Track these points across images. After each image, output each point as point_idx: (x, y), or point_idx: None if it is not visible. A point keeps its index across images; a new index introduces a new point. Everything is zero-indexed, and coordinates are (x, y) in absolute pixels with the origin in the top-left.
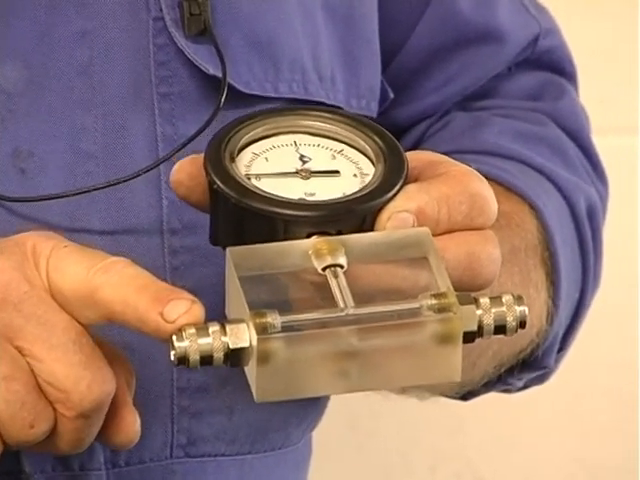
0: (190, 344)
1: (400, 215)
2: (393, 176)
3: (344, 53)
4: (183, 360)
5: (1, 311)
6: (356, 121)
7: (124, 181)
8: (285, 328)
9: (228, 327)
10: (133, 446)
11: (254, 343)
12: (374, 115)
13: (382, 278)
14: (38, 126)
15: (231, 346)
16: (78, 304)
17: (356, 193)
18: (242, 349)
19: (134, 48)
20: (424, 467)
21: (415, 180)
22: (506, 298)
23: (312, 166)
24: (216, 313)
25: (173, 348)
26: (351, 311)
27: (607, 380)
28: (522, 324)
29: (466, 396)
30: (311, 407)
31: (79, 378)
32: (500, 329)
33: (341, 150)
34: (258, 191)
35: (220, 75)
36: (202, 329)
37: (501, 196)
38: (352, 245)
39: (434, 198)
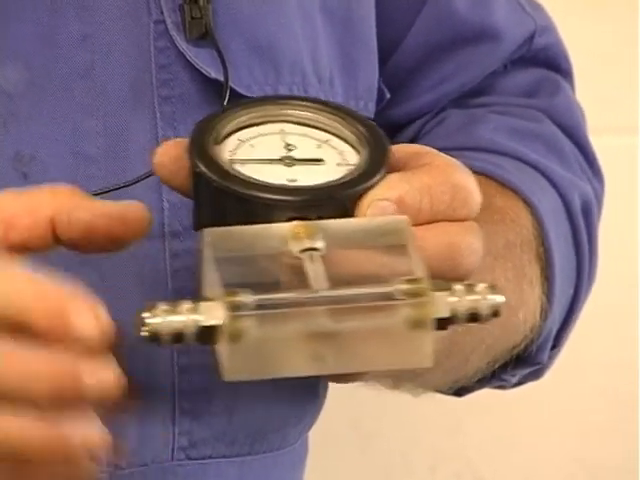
0: (161, 321)
1: (380, 203)
2: (375, 165)
3: (342, 55)
4: (154, 337)
5: None
6: (342, 111)
7: (124, 186)
8: (257, 307)
9: (200, 305)
10: (135, 448)
11: (225, 321)
12: (371, 116)
13: (359, 264)
14: (40, 130)
15: (202, 323)
16: None
17: (338, 180)
18: (214, 327)
19: (135, 51)
20: (424, 467)
21: (399, 171)
22: (480, 286)
23: (296, 154)
24: None
25: (144, 325)
26: (324, 293)
27: (607, 380)
28: (496, 313)
29: (460, 392)
30: (309, 406)
31: None
32: (474, 317)
33: (327, 140)
34: (240, 175)
35: (221, 79)
36: (174, 306)
37: (495, 191)
38: (331, 230)
39: (416, 188)
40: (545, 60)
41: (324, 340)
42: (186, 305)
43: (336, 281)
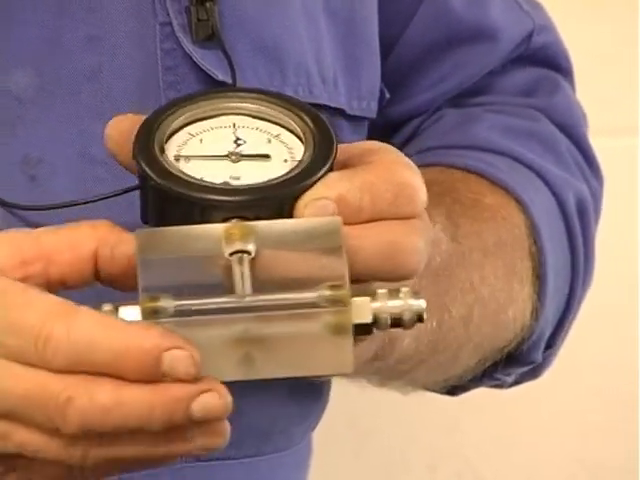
0: None
1: (318, 202)
2: (317, 164)
3: (345, 56)
4: None
5: None
6: (294, 105)
7: (132, 189)
8: (177, 313)
9: (120, 309)
10: None
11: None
12: (374, 116)
13: (288, 267)
14: (47, 132)
15: None
16: None
17: (277, 179)
18: None
19: (142, 53)
20: (423, 466)
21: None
22: (404, 291)
23: (244, 149)
24: None
25: None
26: (247, 299)
27: (607, 380)
28: (419, 318)
29: (454, 391)
30: (314, 406)
31: None
32: (397, 322)
33: (278, 134)
34: (179, 173)
35: (228, 80)
36: (95, 309)
37: (487, 190)
38: (264, 232)
39: (356, 186)
40: (544, 59)
41: (250, 345)
42: (106, 308)
43: (263, 285)
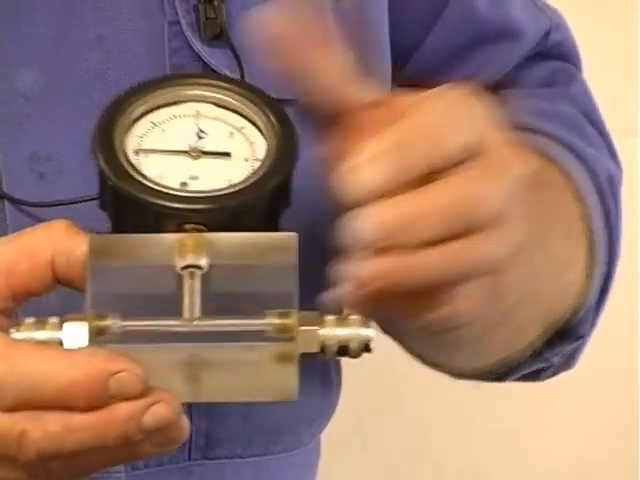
0: (26, 336)
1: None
2: (275, 172)
3: (354, 57)
4: None
5: None
6: (261, 98)
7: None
8: (123, 335)
9: (65, 324)
10: None
11: (85, 345)
12: None
13: (241, 282)
14: (55, 130)
15: (65, 345)
16: None
17: (234, 186)
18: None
19: (150, 52)
20: (428, 466)
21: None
22: (352, 319)
23: (205, 144)
24: None
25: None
26: (195, 322)
27: (608, 380)
28: (366, 347)
29: (502, 377)
30: (323, 406)
31: None
32: (343, 351)
33: (241, 127)
34: (135, 174)
35: (237, 79)
36: (41, 322)
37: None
38: (217, 244)
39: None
40: (559, 55)
41: (196, 368)
42: (52, 321)
43: (213, 298)
